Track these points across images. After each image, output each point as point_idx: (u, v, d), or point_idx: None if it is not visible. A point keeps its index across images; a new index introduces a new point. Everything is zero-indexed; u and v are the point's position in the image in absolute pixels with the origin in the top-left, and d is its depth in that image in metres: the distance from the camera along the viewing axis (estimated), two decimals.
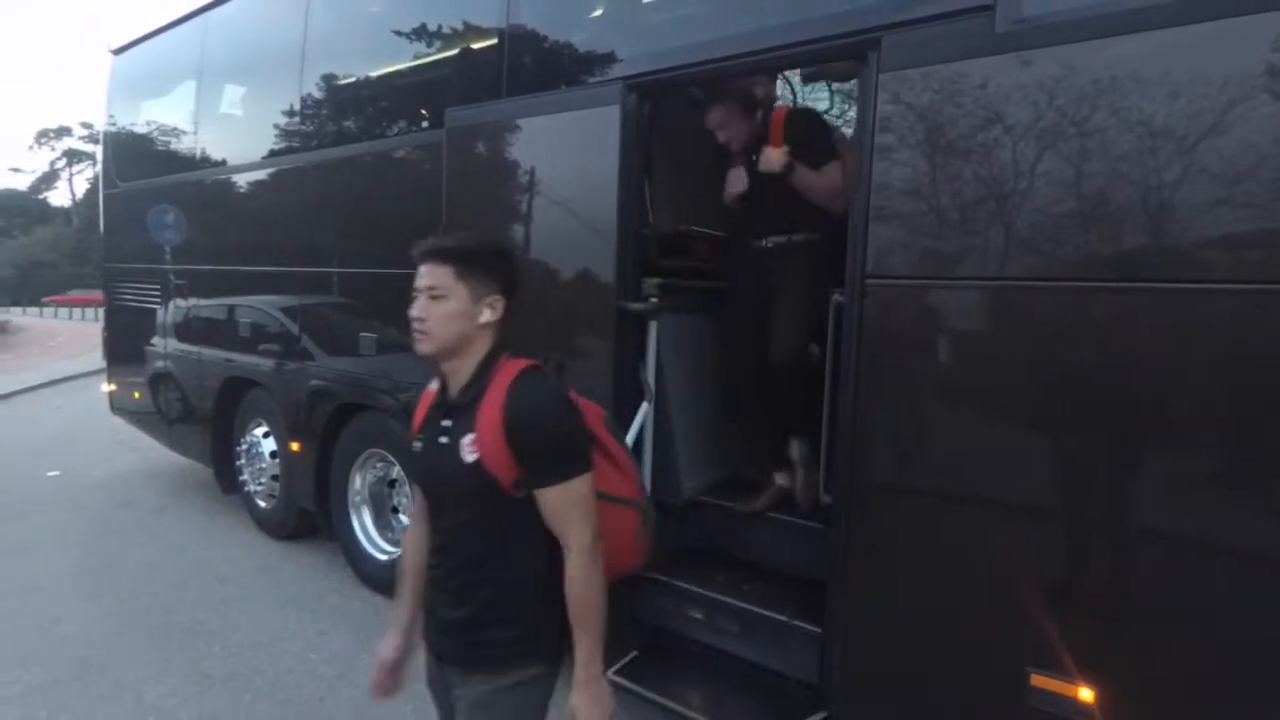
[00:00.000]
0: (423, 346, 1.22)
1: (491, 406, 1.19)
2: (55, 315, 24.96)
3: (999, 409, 1.62)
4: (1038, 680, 1.54)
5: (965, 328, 1.66)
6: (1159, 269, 1.41)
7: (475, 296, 1.21)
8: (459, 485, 1.22)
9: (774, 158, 2.33)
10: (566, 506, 1.19)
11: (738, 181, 2.51)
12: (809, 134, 2.45)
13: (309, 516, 3.73)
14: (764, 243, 2.53)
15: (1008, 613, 1.57)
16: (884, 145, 1.69)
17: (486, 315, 1.23)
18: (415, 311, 1.21)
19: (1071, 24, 1.47)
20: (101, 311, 5.51)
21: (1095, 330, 1.49)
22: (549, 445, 1.19)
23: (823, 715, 1.96)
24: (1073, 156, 1.48)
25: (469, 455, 1.19)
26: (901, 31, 1.67)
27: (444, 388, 1.29)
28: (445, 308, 1.20)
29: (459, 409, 1.24)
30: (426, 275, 1.21)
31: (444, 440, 1.24)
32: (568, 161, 2.34)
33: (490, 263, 1.26)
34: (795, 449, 2.51)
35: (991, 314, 1.62)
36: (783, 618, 2.14)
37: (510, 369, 1.23)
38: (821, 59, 2.24)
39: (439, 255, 1.21)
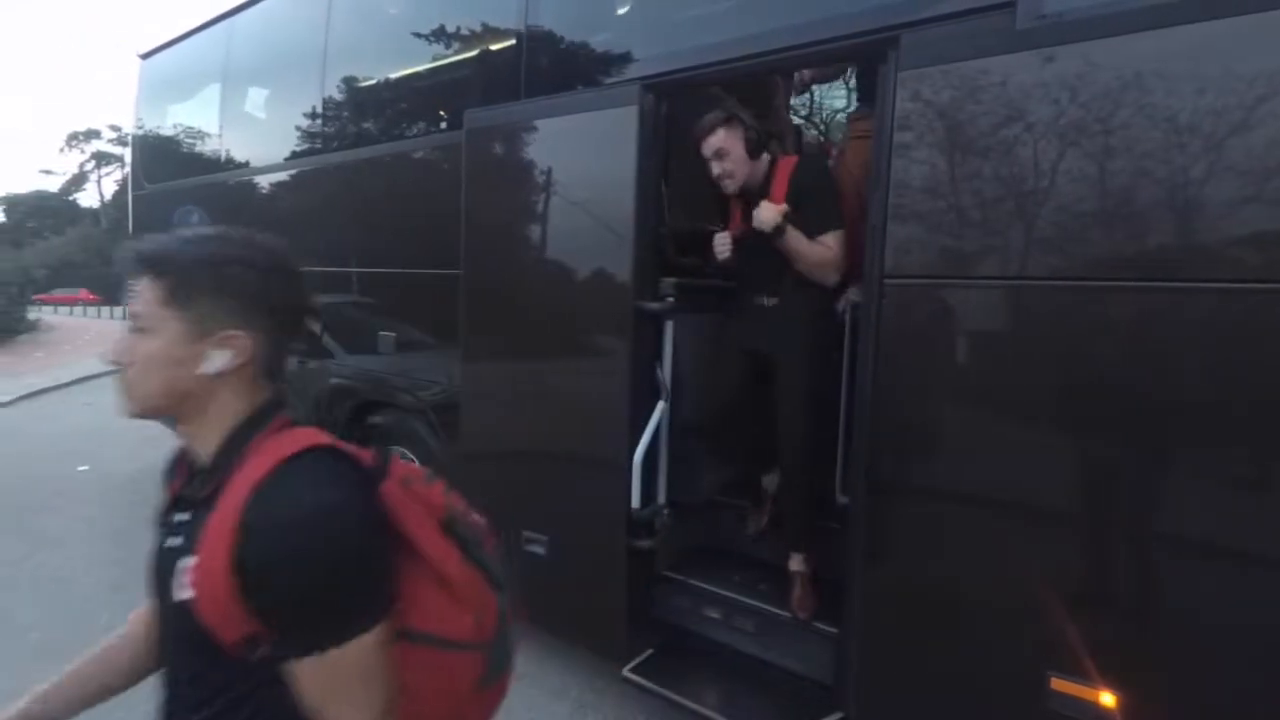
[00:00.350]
0: (122, 405, 0.82)
1: (223, 519, 0.74)
2: (84, 313, 25.54)
3: (1019, 410, 1.61)
4: (1058, 684, 1.53)
5: (984, 328, 1.65)
6: (1184, 268, 1.39)
7: (193, 333, 0.78)
8: (172, 623, 0.82)
9: (768, 215, 2.10)
10: (328, 688, 0.75)
11: (723, 247, 2.27)
12: (815, 193, 2.19)
13: None
14: (763, 300, 2.31)
15: (1027, 614, 1.56)
16: (902, 144, 1.68)
17: (216, 362, 0.79)
18: (111, 351, 0.82)
19: (1094, 20, 1.45)
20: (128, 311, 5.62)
21: (1117, 331, 1.47)
22: (296, 597, 0.73)
23: (839, 716, 1.95)
24: (1095, 154, 1.46)
25: (182, 589, 0.76)
26: (921, 29, 1.66)
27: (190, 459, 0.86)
28: (147, 347, 0.79)
29: (194, 504, 0.81)
30: (136, 296, 0.80)
31: (170, 544, 0.82)
32: (585, 162, 2.35)
33: (225, 278, 0.79)
34: (770, 481, 2.50)
35: (1011, 314, 1.61)
36: (799, 618, 2.14)
37: (270, 452, 0.78)
38: (840, 58, 2.23)
39: (143, 265, 0.79)
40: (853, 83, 3.21)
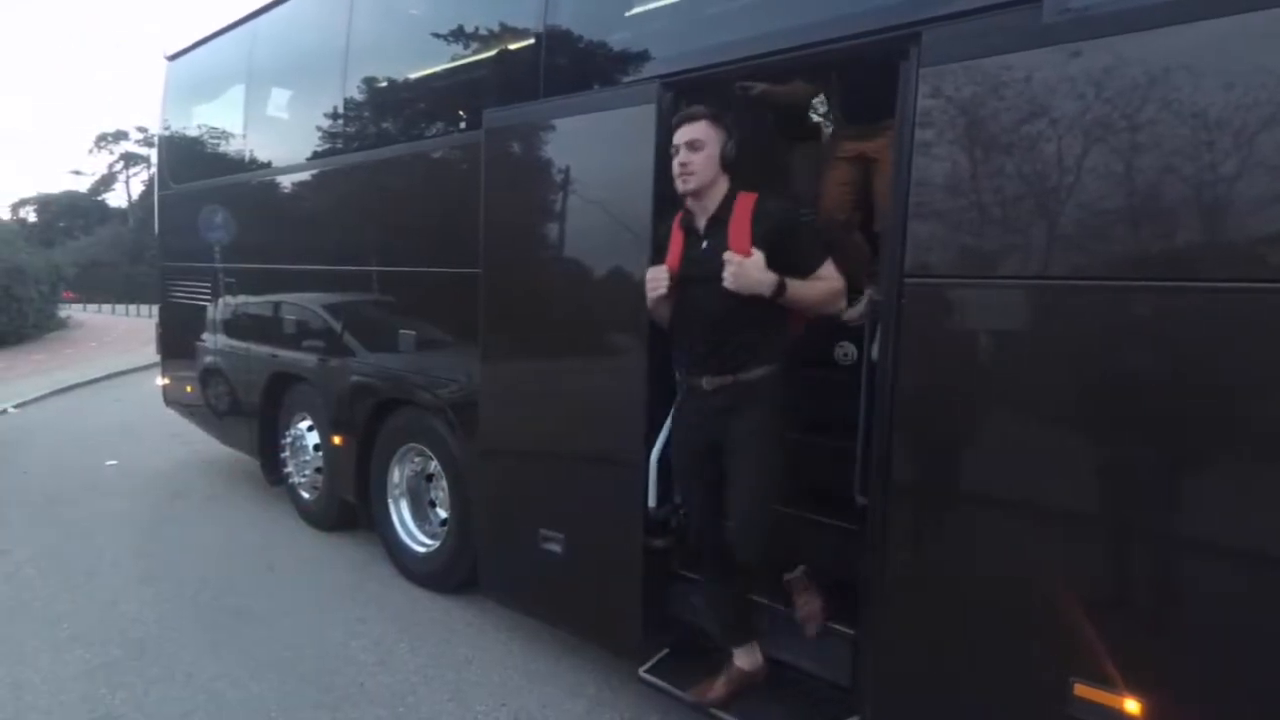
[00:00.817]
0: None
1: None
2: (112, 311, 26.09)
3: (1041, 411, 1.58)
4: (1082, 690, 1.50)
5: (1006, 328, 1.62)
6: (1212, 268, 1.36)
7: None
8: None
9: (754, 274, 1.80)
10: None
11: (657, 286, 1.96)
12: (791, 230, 1.93)
13: (351, 508, 3.84)
14: (702, 382, 1.99)
15: (1050, 619, 1.53)
16: (924, 141, 1.66)
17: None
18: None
19: (1122, 14, 1.42)
20: (156, 308, 5.75)
21: (1142, 331, 1.45)
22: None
23: (855, 718, 1.94)
24: (1122, 151, 1.43)
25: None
26: (943, 25, 1.64)
27: None
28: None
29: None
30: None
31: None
32: (604, 161, 2.35)
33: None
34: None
35: (1033, 314, 1.58)
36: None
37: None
38: (861, 55, 2.20)
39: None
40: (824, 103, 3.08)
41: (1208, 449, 1.40)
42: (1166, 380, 1.42)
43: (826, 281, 1.93)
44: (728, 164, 1.96)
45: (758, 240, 1.86)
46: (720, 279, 1.83)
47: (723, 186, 1.97)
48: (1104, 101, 1.44)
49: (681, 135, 1.93)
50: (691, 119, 1.93)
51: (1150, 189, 1.40)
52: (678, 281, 1.96)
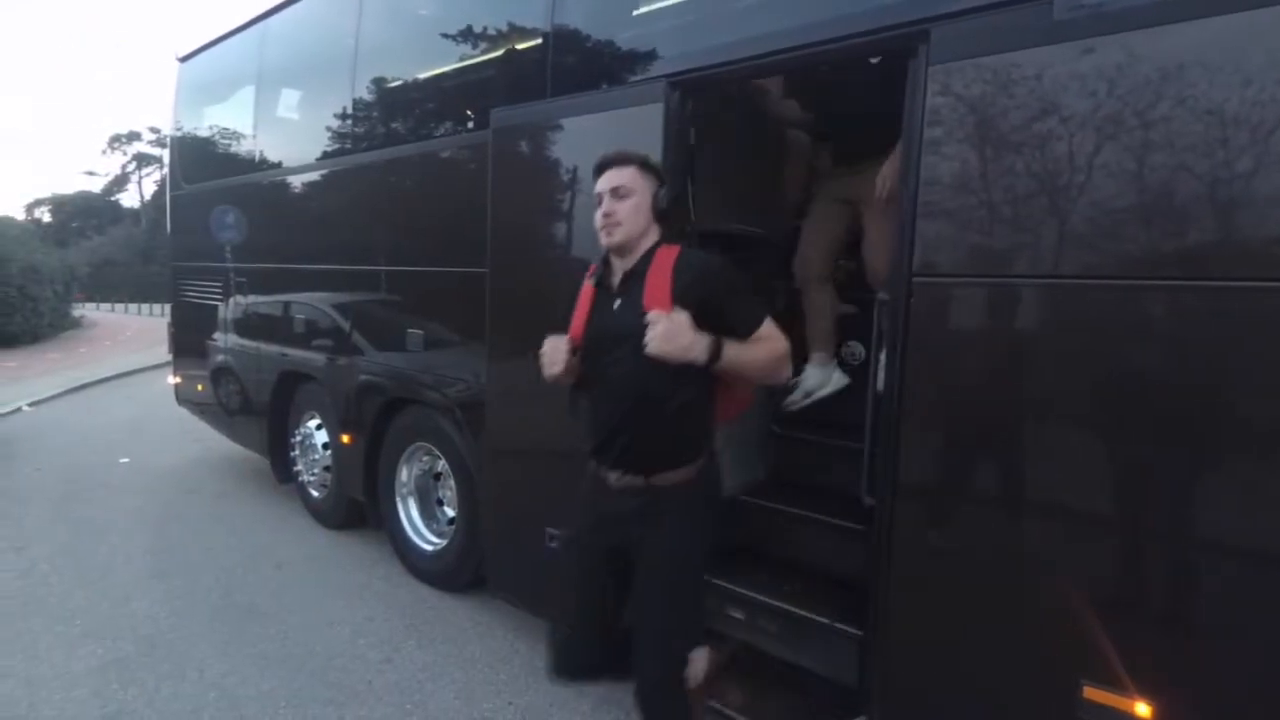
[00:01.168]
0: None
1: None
2: (125, 310, 26.35)
3: (1051, 411, 1.57)
4: (1091, 693, 1.49)
5: (1015, 327, 1.61)
6: (1226, 266, 1.34)
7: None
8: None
9: (683, 335, 1.46)
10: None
11: (554, 360, 1.66)
12: (725, 285, 1.59)
13: (359, 507, 3.86)
14: (609, 477, 1.66)
15: (1060, 621, 1.52)
16: (933, 140, 1.65)
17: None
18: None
19: (1135, 9, 1.41)
20: (168, 307, 5.80)
21: (1153, 331, 1.43)
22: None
23: (862, 719, 1.93)
24: (1134, 149, 1.41)
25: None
26: (952, 22, 1.63)
27: None
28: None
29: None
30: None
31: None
32: None
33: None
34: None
35: (1043, 314, 1.57)
36: (823, 619, 2.12)
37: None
38: (869, 53, 2.19)
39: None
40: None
41: (1220, 449, 1.38)
42: (1177, 379, 1.41)
43: (769, 342, 1.57)
44: (660, 215, 1.67)
45: (679, 296, 1.54)
46: (637, 346, 1.48)
47: (651, 239, 1.67)
48: (1116, 99, 1.43)
49: (605, 182, 1.66)
50: (618, 163, 1.67)
51: (1163, 187, 1.39)
52: (583, 351, 1.67)
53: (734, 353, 1.52)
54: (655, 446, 1.62)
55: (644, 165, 1.68)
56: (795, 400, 2.65)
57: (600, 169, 1.69)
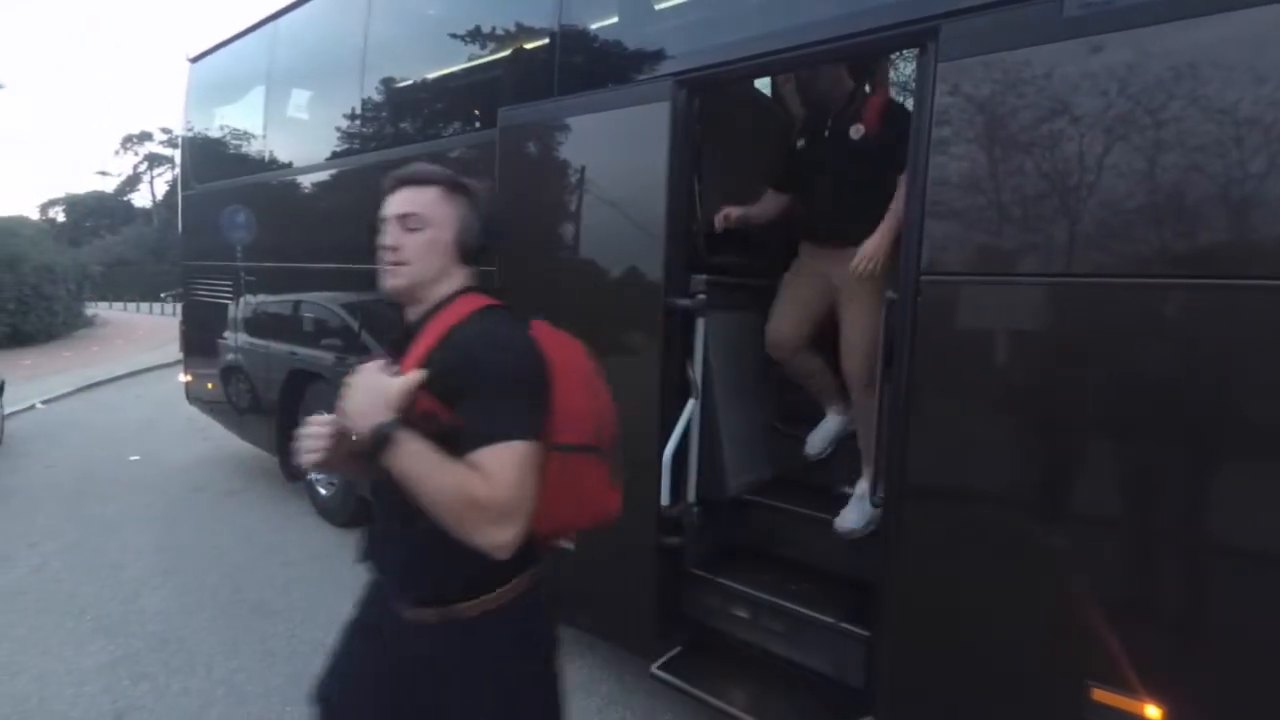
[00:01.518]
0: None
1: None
2: (137, 309, 26.57)
3: (1060, 411, 1.55)
4: (1100, 695, 1.48)
5: (1024, 327, 1.60)
6: (1237, 266, 1.33)
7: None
8: None
9: (369, 398, 1.05)
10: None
11: (313, 442, 1.11)
12: (482, 376, 1.06)
13: (367, 505, 3.87)
14: (400, 609, 1.18)
15: (1068, 622, 1.51)
16: (941, 138, 1.64)
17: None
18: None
19: (1147, 6, 1.39)
20: (179, 306, 5.85)
21: (1163, 330, 1.42)
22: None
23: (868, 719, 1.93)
24: (1146, 148, 1.40)
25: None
26: (962, 19, 1.62)
27: None
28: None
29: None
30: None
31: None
32: (618, 159, 2.35)
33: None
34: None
35: (1052, 313, 1.55)
36: (829, 620, 2.11)
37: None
38: (878, 50, 2.18)
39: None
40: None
41: (1231, 450, 1.37)
42: (1188, 379, 1.39)
43: (470, 476, 1.00)
44: (466, 254, 1.22)
45: (434, 364, 1.09)
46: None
47: (453, 285, 1.21)
48: (1127, 97, 1.41)
49: (395, 205, 1.20)
50: (414, 183, 1.21)
51: (1174, 187, 1.37)
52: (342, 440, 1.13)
53: (411, 457, 1.00)
54: (451, 564, 1.10)
55: (452, 187, 1.22)
56: (816, 448, 2.56)
57: (392, 187, 1.22)
